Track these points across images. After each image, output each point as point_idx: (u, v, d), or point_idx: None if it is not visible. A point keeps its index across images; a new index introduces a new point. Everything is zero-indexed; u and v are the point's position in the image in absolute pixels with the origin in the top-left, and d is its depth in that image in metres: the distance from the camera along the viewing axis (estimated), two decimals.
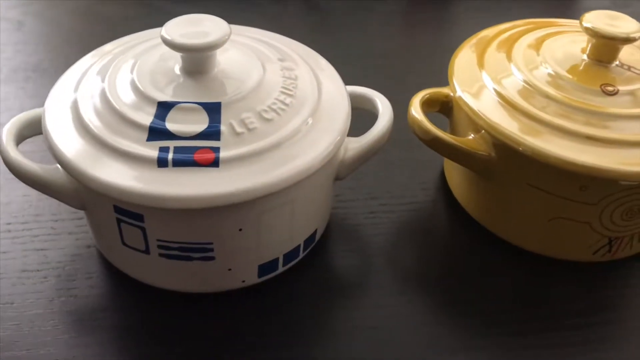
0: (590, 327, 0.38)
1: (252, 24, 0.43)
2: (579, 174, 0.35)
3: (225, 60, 0.37)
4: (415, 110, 0.40)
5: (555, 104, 0.37)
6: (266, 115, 0.34)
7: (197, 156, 0.32)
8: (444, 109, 0.42)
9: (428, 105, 0.41)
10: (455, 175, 0.44)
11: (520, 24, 0.44)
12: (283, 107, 0.35)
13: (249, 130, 0.33)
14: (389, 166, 0.48)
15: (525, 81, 0.38)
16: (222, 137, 0.33)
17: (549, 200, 0.37)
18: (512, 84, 0.38)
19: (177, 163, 0.32)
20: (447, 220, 0.44)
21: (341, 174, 0.38)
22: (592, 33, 0.38)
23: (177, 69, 0.36)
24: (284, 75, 0.37)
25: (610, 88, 0.37)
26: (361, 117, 0.40)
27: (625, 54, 0.40)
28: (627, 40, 0.38)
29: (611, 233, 0.38)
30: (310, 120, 0.35)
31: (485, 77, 0.39)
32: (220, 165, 0.32)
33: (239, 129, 0.33)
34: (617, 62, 0.39)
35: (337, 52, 0.60)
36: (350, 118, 0.37)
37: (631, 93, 0.37)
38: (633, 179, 0.34)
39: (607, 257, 0.40)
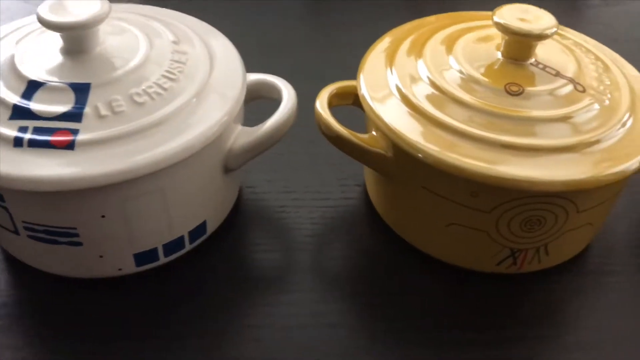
0: (475, 343, 0.35)
1: None
2: (466, 179, 0.32)
3: (112, 40, 0.35)
4: (321, 104, 0.38)
5: (454, 103, 0.34)
6: (138, 99, 0.33)
7: (54, 138, 0.31)
8: (357, 102, 0.40)
9: (340, 98, 0.39)
10: (368, 174, 0.42)
11: (443, 18, 0.41)
12: (160, 91, 0.34)
13: (115, 113, 0.32)
14: (314, 160, 0.46)
15: (429, 79, 0.36)
16: (84, 119, 0.32)
17: (443, 205, 0.35)
18: (416, 82, 0.36)
19: (33, 144, 0.31)
20: (359, 219, 0.42)
21: (231, 164, 0.37)
22: (504, 29, 0.35)
23: (58, 48, 0.35)
24: (172, 58, 0.36)
25: (515, 88, 0.34)
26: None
27: (545, 51, 0.37)
28: (541, 37, 0.35)
29: (512, 244, 0.35)
30: (194, 101, 0.34)
31: (391, 74, 0.37)
32: (76, 148, 0.31)
33: (103, 112, 0.32)
34: (533, 60, 0.36)
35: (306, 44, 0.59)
36: (239, 105, 0.36)
37: (537, 94, 0.34)
38: (519, 187, 0.32)
39: (513, 270, 0.37)
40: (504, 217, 0.34)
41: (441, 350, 0.35)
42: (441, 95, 0.35)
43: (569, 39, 0.40)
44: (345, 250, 0.40)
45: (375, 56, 0.39)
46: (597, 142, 0.33)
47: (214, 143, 0.34)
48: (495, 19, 0.35)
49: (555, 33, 0.35)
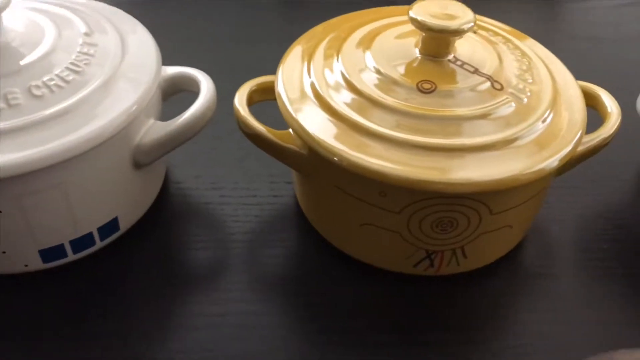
0: (392, 346, 0.35)
1: None
2: (370, 179, 0.31)
3: (17, 32, 0.35)
4: (240, 100, 0.37)
5: (366, 102, 0.33)
6: (36, 92, 0.32)
7: None
8: None
9: (263, 94, 0.38)
10: (294, 172, 0.41)
11: (370, 12, 0.40)
12: (61, 84, 0.33)
13: (10, 106, 0.31)
14: (246, 156, 0.45)
15: (343, 76, 0.35)
16: None
17: (355, 205, 0.34)
18: (331, 80, 0.35)
19: None
20: (285, 217, 0.41)
21: (142, 159, 0.36)
22: (419, 25, 0.34)
23: None
24: (80, 50, 0.35)
25: (427, 85, 0.33)
26: None
27: (468, 48, 0.36)
28: (457, 32, 0.34)
29: (426, 245, 0.34)
30: (99, 93, 0.33)
31: (308, 71, 0.36)
32: None
33: None
34: (452, 57, 0.35)
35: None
36: (149, 97, 0.35)
37: (450, 92, 0.33)
38: (420, 188, 0.31)
39: (431, 272, 0.36)
40: (414, 218, 0.33)
41: (355, 351, 0.34)
42: (354, 93, 0.34)
43: (499, 35, 0.39)
44: (269, 249, 0.39)
45: (297, 51, 0.38)
46: (511, 141, 0.32)
47: (118, 137, 0.33)
48: (411, 14, 0.34)
49: (473, 28, 0.34)
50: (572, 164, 0.36)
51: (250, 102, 0.37)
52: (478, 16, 0.40)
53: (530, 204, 0.35)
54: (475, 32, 0.38)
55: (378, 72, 0.34)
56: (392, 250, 0.35)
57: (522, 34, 0.40)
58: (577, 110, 0.35)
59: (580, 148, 0.36)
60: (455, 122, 0.32)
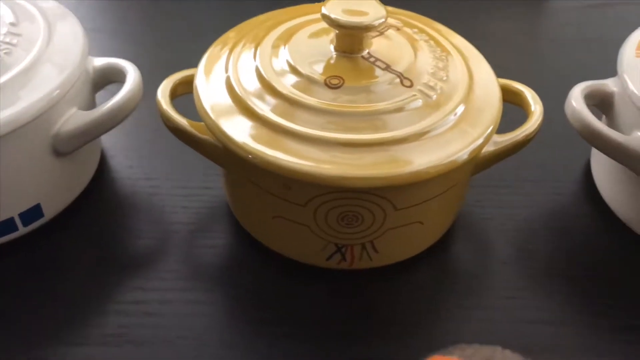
0: (305, 339, 0.35)
1: None
2: (272, 172, 0.32)
3: None
4: (162, 93, 0.37)
5: (277, 97, 0.34)
6: None
7: None
8: None
9: (187, 86, 0.38)
10: None
11: (296, 9, 0.40)
12: None
13: None
14: (182, 149, 0.44)
15: (257, 71, 0.35)
16: None
17: (265, 197, 0.34)
18: (246, 74, 0.35)
19: None
20: (211, 209, 0.42)
21: (61, 148, 0.36)
22: (331, 22, 0.34)
23: None
24: (2, 39, 0.36)
25: (335, 81, 0.34)
26: None
27: (384, 45, 0.36)
28: (367, 28, 0.34)
29: (335, 239, 0.35)
30: (17, 82, 0.34)
31: (227, 65, 0.36)
32: None
33: None
34: (365, 53, 0.35)
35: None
36: (68, 86, 0.35)
37: (355, 87, 0.34)
38: (314, 182, 0.31)
39: (344, 265, 0.37)
40: (320, 211, 0.33)
41: (266, 343, 0.35)
42: (266, 88, 0.34)
43: (424, 32, 0.39)
44: (195, 240, 0.40)
45: (221, 46, 0.38)
46: (420, 135, 0.32)
47: (34, 123, 0.34)
48: (324, 11, 0.34)
49: (383, 25, 0.34)
50: (491, 160, 0.37)
51: (175, 94, 0.38)
52: (408, 13, 0.41)
53: (441, 200, 0.35)
54: (399, 29, 0.38)
55: (291, 67, 0.35)
56: (304, 243, 0.36)
57: (452, 32, 0.40)
58: (491, 107, 0.35)
59: (500, 146, 0.36)
60: (359, 118, 0.33)
